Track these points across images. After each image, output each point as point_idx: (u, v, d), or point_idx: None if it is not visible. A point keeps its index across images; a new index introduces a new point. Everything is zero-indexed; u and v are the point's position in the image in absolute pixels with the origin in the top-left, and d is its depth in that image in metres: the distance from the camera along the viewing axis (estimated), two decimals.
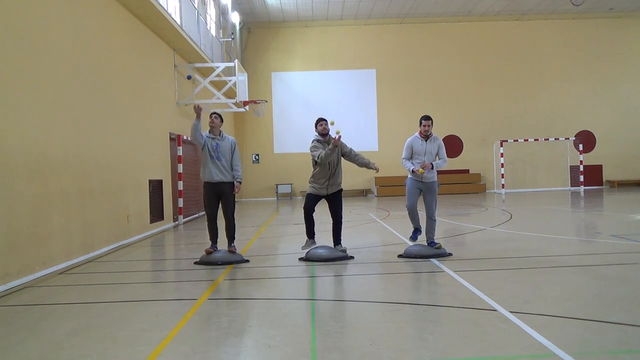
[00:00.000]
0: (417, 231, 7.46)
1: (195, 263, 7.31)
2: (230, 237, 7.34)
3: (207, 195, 7.29)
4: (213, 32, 18.63)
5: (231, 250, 7.27)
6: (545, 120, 24.34)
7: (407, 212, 7.56)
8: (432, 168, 7.12)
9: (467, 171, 24.40)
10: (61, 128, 7.61)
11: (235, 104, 16.99)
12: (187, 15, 14.18)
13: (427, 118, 7.21)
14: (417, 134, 7.31)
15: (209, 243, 7.42)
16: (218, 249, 7.35)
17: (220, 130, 7.39)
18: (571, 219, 12.76)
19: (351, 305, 4.99)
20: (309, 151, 7.39)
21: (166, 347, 3.84)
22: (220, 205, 7.36)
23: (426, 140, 7.22)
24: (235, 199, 7.45)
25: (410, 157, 7.27)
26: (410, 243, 7.60)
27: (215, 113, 7.39)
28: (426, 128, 7.17)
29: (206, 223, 7.45)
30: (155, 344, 3.90)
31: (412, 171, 7.18)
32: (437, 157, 7.31)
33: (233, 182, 7.30)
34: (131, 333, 4.26)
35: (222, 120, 7.45)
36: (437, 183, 7.36)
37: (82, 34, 8.52)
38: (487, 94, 24.46)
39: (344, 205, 7.64)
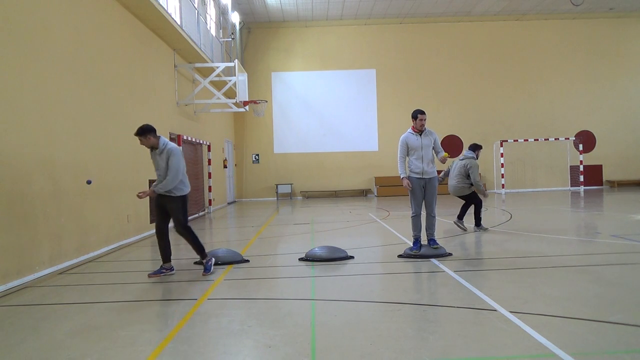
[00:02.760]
0: (417, 242, 7.36)
1: (195, 263, 7.31)
2: (198, 249, 6.62)
3: (154, 206, 6.72)
4: (213, 32, 18.63)
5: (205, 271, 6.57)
6: (545, 120, 24.34)
7: (410, 216, 7.52)
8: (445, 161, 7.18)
9: None
10: (61, 128, 7.61)
11: (235, 104, 16.99)
12: (187, 15, 14.19)
13: (422, 112, 7.25)
14: (410, 130, 7.34)
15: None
16: (174, 268, 6.70)
17: (156, 142, 6.51)
18: (571, 219, 12.75)
19: (351, 305, 4.99)
20: (475, 168, 9.55)
21: (166, 347, 3.84)
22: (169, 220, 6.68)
23: (420, 135, 7.25)
24: (178, 208, 6.47)
25: (407, 154, 7.31)
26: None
27: (136, 134, 6.50)
28: (422, 122, 7.21)
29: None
30: (155, 344, 3.91)
31: (402, 180, 7.26)
32: (433, 151, 7.31)
33: (171, 196, 6.46)
34: (131, 333, 4.27)
35: (145, 135, 6.47)
36: (437, 178, 7.42)
37: (82, 34, 8.52)
38: (487, 94, 24.46)
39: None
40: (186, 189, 6.61)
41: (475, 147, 9.93)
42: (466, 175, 9.66)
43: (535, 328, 3.90)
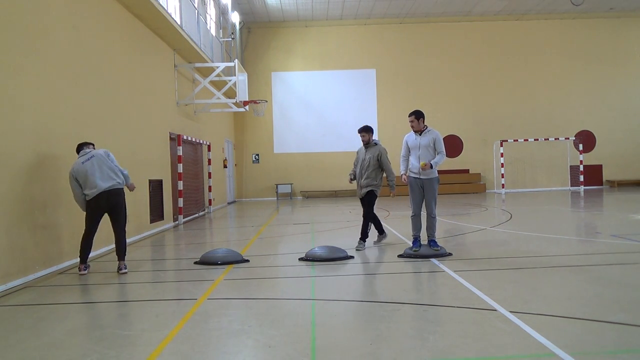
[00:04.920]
0: (417, 241, 7.37)
1: (195, 263, 7.31)
2: (80, 253, 6.95)
3: None
4: (213, 32, 18.63)
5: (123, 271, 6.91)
6: (545, 120, 24.32)
7: (410, 216, 7.53)
8: (432, 167, 7.13)
9: (467, 171, 24.38)
10: (61, 128, 7.61)
11: (235, 103, 16.99)
12: (187, 15, 14.18)
13: (410, 114, 7.33)
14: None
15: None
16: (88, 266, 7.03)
17: None
18: (571, 219, 12.76)
19: (351, 305, 4.99)
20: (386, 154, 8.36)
21: (166, 347, 3.84)
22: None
23: (420, 135, 7.25)
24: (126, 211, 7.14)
25: (408, 153, 7.39)
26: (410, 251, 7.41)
27: None
28: (411, 124, 7.31)
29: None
30: (155, 344, 3.91)
31: (402, 176, 7.45)
32: (435, 151, 7.28)
33: None
34: (131, 333, 4.27)
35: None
36: (437, 179, 7.34)
37: (82, 34, 8.52)
38: (487, 94, 24.44)
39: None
40: (86, 197, 6.78)
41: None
42: (379, 166, 8.20)
43: (535, 328, 3.90)
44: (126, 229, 7.14)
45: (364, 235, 8.21)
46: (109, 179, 6.79)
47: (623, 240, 8.10)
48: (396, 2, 21.89)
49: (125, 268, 6.91)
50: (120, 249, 6.96)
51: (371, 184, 8.19)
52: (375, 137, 8.54)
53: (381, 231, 8.65)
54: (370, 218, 8.31)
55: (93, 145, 7.12)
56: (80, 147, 6.98)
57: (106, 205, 6.81)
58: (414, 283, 6.12)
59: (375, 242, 8.62)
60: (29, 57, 6.84)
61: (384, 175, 8.34)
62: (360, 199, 8.37)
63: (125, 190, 7.16)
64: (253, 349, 3.83)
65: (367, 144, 8.26)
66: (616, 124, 24.48)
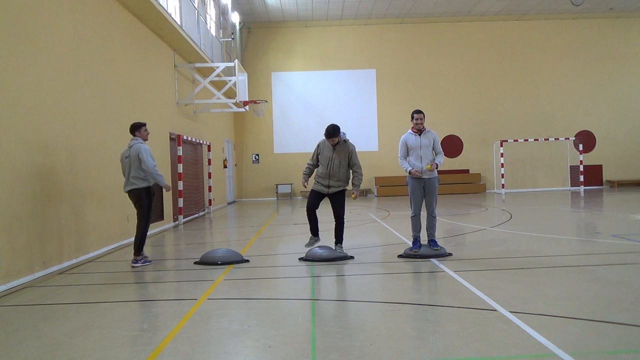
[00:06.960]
0: (417, 242, 7.34)
1: (195, 263, 7.31)
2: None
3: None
4: (213, 32, 18.63)
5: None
6: (545, 120, 24.33)
7: (410, 216, 7.51)
8: (437, 167, 7.14)
9: (467, 171, 24.38)
10: (61, 128, 7.62)
11: (235, 104, 17.00)
12: (187, 15, 14.19)
13: (418, 112, 7.25)
14: (410, 130, 7.34)
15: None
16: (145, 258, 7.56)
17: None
18: (571, 219, 12.75)
19: (351, 305, 4.99)
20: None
21: (166, 347, 3.84)
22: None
23: (420, 135, 7.24)
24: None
25: (407, 154, 7.29)
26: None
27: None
28: (418, 121, 7.19)
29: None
30: (155, 344, 3.91)
31: (409, 172, 7.22)
32: (433, 151, 7.28)
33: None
34: (131, 333, 4.27)
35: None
36: (437, 179, 7.33)
37: (82, 34, 8.52)
38: (487, 94, 24.44)
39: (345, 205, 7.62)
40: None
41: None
42: (348, 166, 7.47)
43: (535, 328, 3.90)
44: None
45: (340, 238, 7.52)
46: (129, 184, 7.35)
47: (623, 240, 8.10)
48: (396, 2, 21.89)
49: (135, 263, 7.26)
50: (133, 244, 7.42)
51: (343, 185, 7.42)
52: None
53: (316, 233, 7.66)
54: (342, 219, 7.53)
55: (145, 125, 7.60)
56: (133, 131, 7.52)
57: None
58: (414, 283, 6.13)
59: (306, 245, 7.73)
60: (29, 58, 6.84)
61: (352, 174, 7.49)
62: (326, 194, 7.51)
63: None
64: (253, 349, 3.83)
65: (337, 142, 7.38)
66: (616, 124, 24.49)
